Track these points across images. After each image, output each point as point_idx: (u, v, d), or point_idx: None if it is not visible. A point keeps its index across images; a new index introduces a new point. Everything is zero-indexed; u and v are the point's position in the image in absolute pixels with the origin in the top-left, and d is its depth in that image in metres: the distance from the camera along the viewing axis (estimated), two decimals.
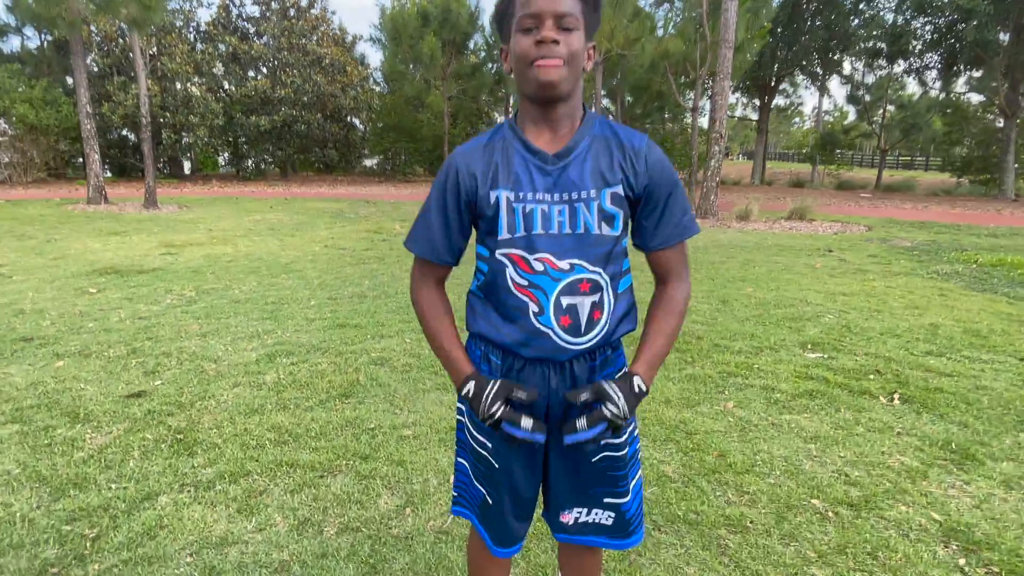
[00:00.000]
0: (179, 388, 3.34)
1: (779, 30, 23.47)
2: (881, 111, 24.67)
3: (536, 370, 1.25)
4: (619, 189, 1.20)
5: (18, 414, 3.02)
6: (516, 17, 1.16)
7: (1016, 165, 18.11)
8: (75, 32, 12.61)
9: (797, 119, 63.09)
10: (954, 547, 2.09)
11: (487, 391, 1.19)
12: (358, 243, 8.70)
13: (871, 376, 3.64)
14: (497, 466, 1.31)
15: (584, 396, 1.17)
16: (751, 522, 2.21)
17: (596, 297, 1.21)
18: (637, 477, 1.38)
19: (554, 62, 1.12)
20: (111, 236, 9.04)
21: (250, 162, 26.70)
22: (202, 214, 12.28)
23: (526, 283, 1.19)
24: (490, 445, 1.31)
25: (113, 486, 2.39)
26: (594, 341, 1.23)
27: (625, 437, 1.32)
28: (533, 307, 1.19)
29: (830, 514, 2.27)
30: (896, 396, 3.35)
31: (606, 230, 1.19)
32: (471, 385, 1.22)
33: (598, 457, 1.31)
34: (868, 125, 24.76)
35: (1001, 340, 4.39)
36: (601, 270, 1.20)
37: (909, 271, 6.86)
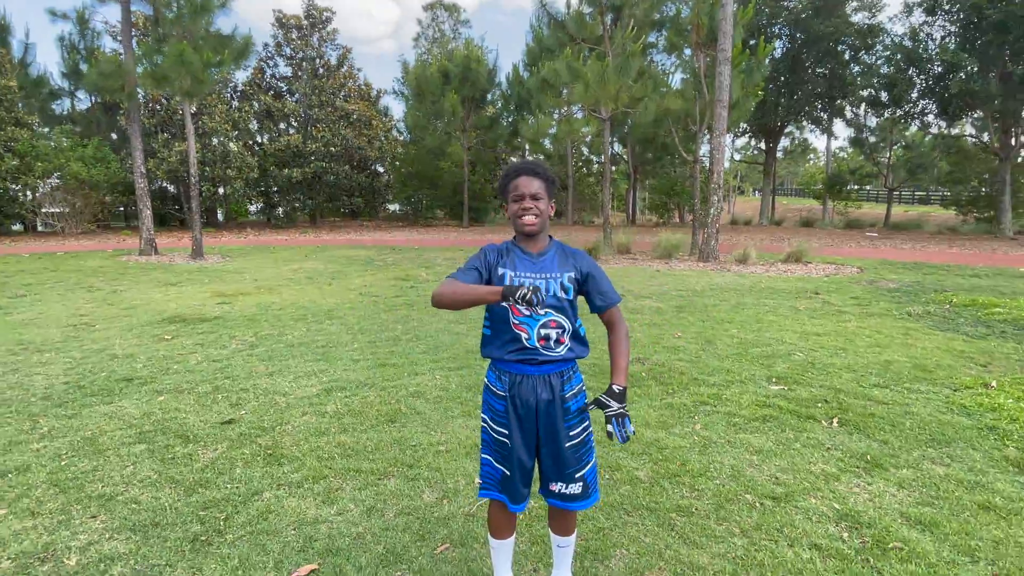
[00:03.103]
0: (260, 416, 4.23)
1: (782, 77, 24.58)
2: (887, 152, 25.46)
3: (530, 382, 2.11)
4: (572, 273, 2.12)
5: (141, 436, 3.92)
6: (510, 194, 2.09)
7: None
8: (133, 101, 14.00)
9: (812, 156, 64.08)
10: (843, 525, 2.87)
11: (521, 285, 1.94)
12: (389, 290, 9.66)
13: (819, 404, 4.41)
14: (511, 446, 2.15)
15: (591, 405, 2.13)
16: (696, 509, 3.01)
17: (560, 330, 2.09)
18: (592, 460, 2.22)
19: (531, 219, 2.05)
20: (168, 287, 10.11)
21: (280, 210, 28.17)
22: (245, 264, 13.38)
23: (520, 322, 2.08)
24: (507, 432, 2.15)
25: (228, 486, 3.26)
26: (561, 353, 2.10)
27: (585, 431, 2.17)
28: (524, 335, 2.08)
29: (757, 504, 3.06)
30: (835, 420, 4.13)
31: (563, 295, 2.09)
32: (509, 287, 1.89)
33: (570, 445, 2.16)
34: (874, 166, 25.55)
35: (943, 374, 5.14)
36: (562, 317, 2.09)
37: (884, 312, 7.60)
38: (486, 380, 2.22)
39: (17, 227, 24.33)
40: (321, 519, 2.92)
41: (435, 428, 4.01)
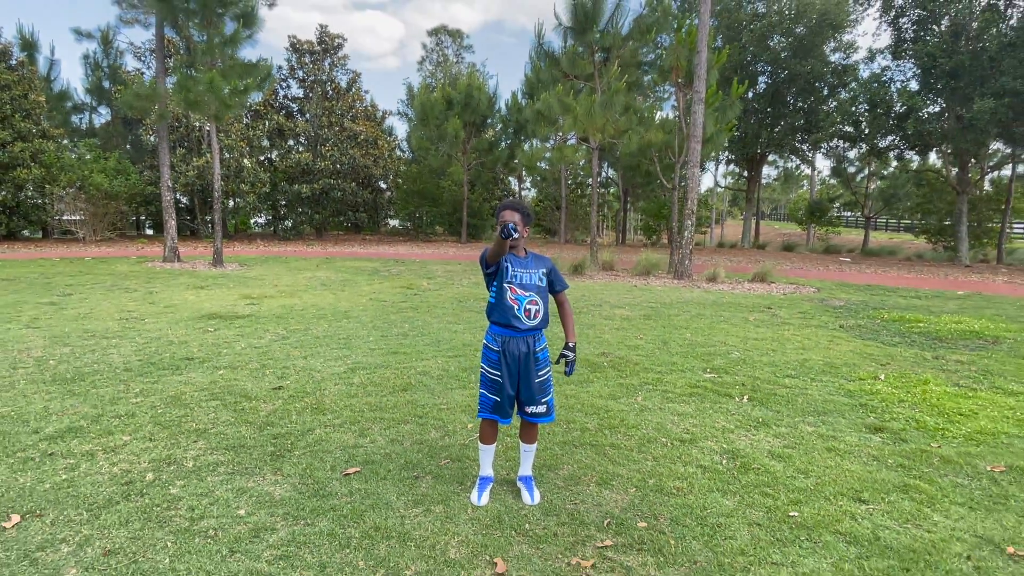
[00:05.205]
0: (303, 385, 5.46)
1: (766, 110, 26.14)
2: (865, 182, 26.95)
3: (515, 341, 3.35)
4: (543, 270, 3.39)
5: (213, 396, 5.13)
6: (499, 218, 3.36)
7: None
8: (164, 121, 15.32)
9: (805, 183, 65.86)
10: (724, 457, 4.10)
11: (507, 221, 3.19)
12: (395, 296, 10.90)
13: (737, 387, 5.66)
14: (501, 382, 3.38)
15: (560, 357, 3.39)
16: (624, 445, 4.24)
17: (537, 307, 3.33)
18: (551, 392, 3.47)
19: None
20: (199, 290, 11.34)
21: (288, 223, 29.48)
22: (263, 272, 14.62)
23: (513, 297, 3.31)
24: (499, 373, 3.38)
25: (288, 426, 4.48)
26: (536, 324, 3.34)
27: (547, 372, 3.43)
28: (515, 308, 3.31)
29: (668, 444, 4.30)
30: (746, 397, 5.37)
31: (540, 283, 3.35)
32: (502, 225, 3.10)
33: (538, 381, 3.40)
34: (852, 195, 27.03)
35: (846, 370, 6.39)
36: (539, 298, 3.34)
37: (822, 324, 8.87)
38: (485, 341, 3.47)
39: (37, 234, 25.56)
40: (359, 445, 4.15)
41: (439, 396, 5.24)
